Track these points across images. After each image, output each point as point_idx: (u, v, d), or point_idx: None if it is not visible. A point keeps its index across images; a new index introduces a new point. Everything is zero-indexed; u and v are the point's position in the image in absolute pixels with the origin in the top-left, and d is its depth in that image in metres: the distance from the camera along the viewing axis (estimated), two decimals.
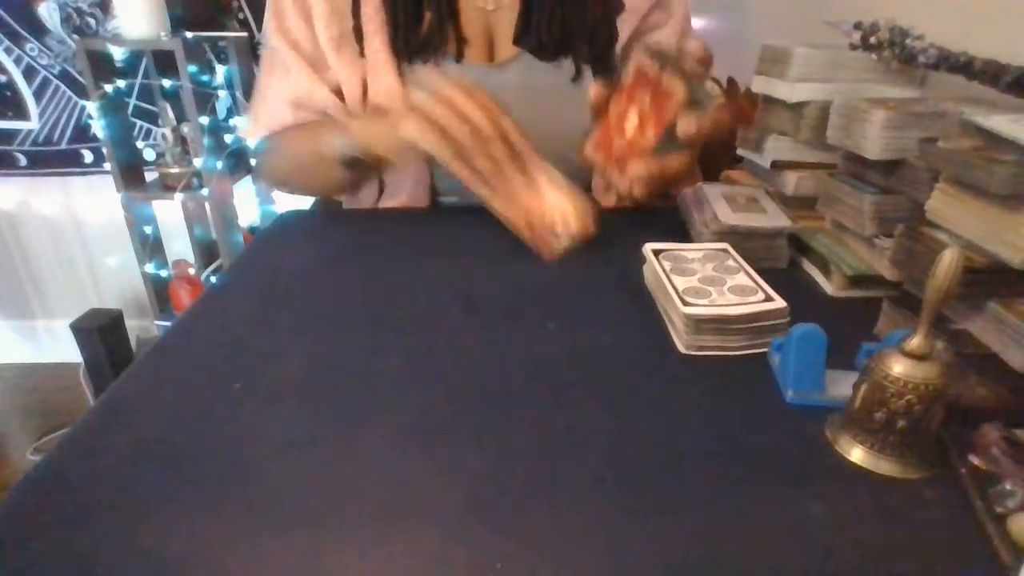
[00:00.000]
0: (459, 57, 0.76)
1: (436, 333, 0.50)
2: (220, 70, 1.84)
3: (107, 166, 1.87)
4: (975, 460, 0.36)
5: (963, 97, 0.58)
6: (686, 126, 0.56)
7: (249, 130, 0.81)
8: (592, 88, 0.63)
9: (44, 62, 1.88)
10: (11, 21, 1.82)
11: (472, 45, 0.77)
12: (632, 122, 0.58)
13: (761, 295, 0.49)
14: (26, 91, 1.92)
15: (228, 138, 1.87)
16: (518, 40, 0.77)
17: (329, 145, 0.63)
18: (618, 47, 0.81)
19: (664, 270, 0.53)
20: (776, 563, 0.31)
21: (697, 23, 0.86)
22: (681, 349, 0.48)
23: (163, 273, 1.97)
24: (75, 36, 1.83)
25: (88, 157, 2.01)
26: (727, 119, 0.60)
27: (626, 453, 0.38)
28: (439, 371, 0.46)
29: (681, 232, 0.68)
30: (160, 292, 1.96)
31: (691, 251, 0.57)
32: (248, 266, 0.66)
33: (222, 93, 1.87)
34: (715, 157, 0.93)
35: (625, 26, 0.80)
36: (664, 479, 0.36)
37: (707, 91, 0.58)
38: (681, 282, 0.51)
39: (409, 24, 0.73)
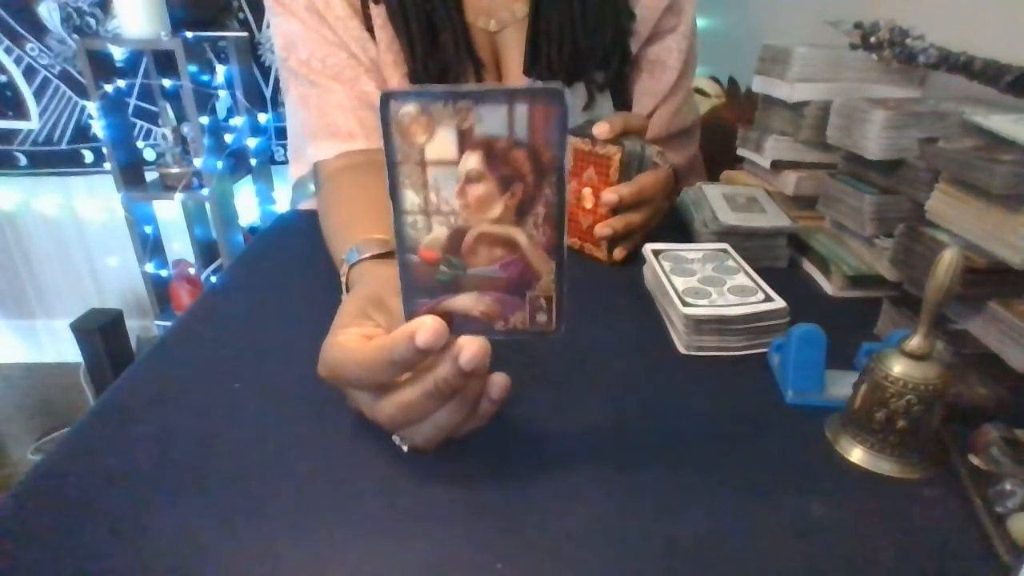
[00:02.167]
0: (479, 81, 0.75)
1: None
2: (220, 70, 1.84)
3: (107, 166, 1.88)
4: (975, 460, 0.36)
5: (963, 97, 0.58)
6: (608, 197, 0.60)
7: (296, 168, 0.78)
8: None
9: (44, 62, 1.88)
10: (11, 21, 1.83)
11: (484, 69, 0.75)
12: (587, 196, 0.63)
13: (761, 295, 0.49)
14: (26, 91, 1.92)
15: (228, 138, 1.87)
16: (528, 71, 0.75)
17: (341, 266, 0.51)
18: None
19: (664, 270, 0.53)
20: (776, 563, 0.31)
21: (699, 23, 0.85)
22: (681, 349, 0.48)
23: (163, 273, 1.97)
24: (75, 36, 1.83)
25: (88, 157, 2.01)
26: (662, 177, 0.64)
27: (626, 453, 0.38)
28: None
29: (681, 232, 0.68)
30: (160, 292, 1.96)
31: (691, 251, 0.57)
32: (248, 266, 0.66)
33: (222, 93, 1.87)
34: (715, 157, 0.93)
35: (636, 38, 0.79)
36: (664, 479, 0.36)
37: (642, 151, 0.61)
38: (681, 282, 0.51)
39: (426, 49, 0.71)
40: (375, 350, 0.33)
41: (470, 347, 0.31)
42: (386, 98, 0.28)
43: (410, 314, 0.33)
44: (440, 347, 0.31)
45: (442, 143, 0.29)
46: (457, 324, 0.32)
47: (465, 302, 0.32)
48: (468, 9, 0.73)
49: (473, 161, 0.29)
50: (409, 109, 0.28)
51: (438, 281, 0.32)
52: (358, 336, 0.37)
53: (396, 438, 0.37)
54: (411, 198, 0.30)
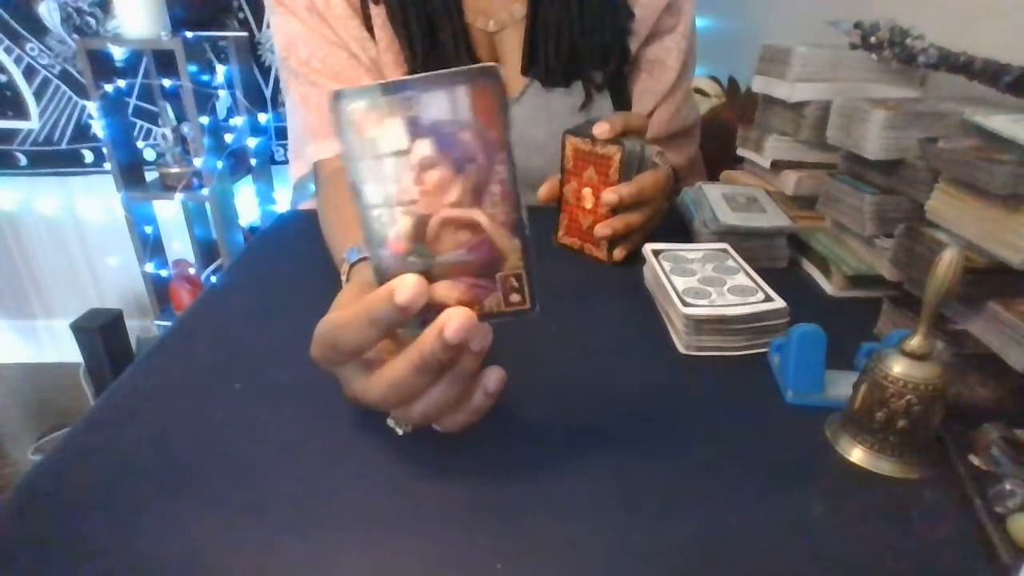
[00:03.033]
0: None
1: None
2: (220, 70, 1.84)
3: (107, 166, 1.87)
4: (975, 460, 0.36)
5: (963, 97, 0.58)
6: (608, 197, 0.60)
7: (297, 167, 0.78)
8: (541, 189, 0.66)
9: (44, 62, 1.88)
10: (11, 21, 1.83)
11: None
12: (587, 196, 0.63)
13: (761, 295, 0.49)
14: (26, 91, 1.92)
15: (228, 138, 1.87)
16: (526, 70, 0.76)
17: (341, 265, 0.51)
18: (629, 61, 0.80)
19: (664, 270, 0.53)
20: (776, 563, 0.31)
21: (699, 23, 0.85)
22: (681, 349, 0.48)
23: (163, 273, 1.97)
24: (75, 36, 1.83)
25: (88, 157, 2.01)
26: (662, 177, 0.63)
27: (625, 453, 0.38)
28: None
29: (681, 232, 0.68)
30: (160, 292, 1.96)
31: (691, 251, 0.57)
32: (248, 266, 0.66)
33: (222, 93, 1.87)
34: (715, 157, 0.93)
35: (636, 37, 0.79)
36: (664, 479, 0.36)
37: (642, 151, 0.61)
38: (681, 282, 0.51)
39: (426, 49, 0.71)
40: (355, 311, 0.34)
41: (454, 319, 0.31)
42: (337, 97, 0.29)
43: None
44: (420, 306, 0.31)
45: (393, 134, 0.30)
46: (436, 316, 0.32)
47: (440, 291, 0.33)
48: (467, 9, 0.73)
49: (424, 148, 0.30)
50: (359, 105, 0.29)
51: (411, 271, 0.32)
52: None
53: (391, 421, 0.37)
54: (373, 192, 0.31)
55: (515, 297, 0.33)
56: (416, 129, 0.30)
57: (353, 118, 0.30)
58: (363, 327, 0.33)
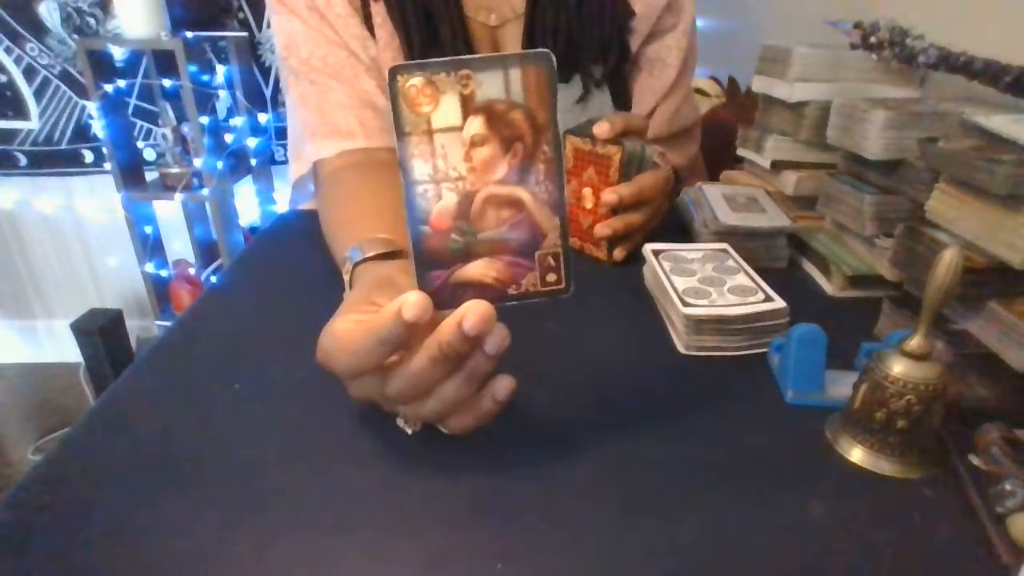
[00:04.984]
0: None
1: None
2: (220, 70, 1.84)
3: (107, 166, 1.88)
4: (975, 460, 0.36)
5: (963, 97, 0.58)
6: (607, 197, 0.60)
7: (296, 168, 0.78)
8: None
9: (44, 62, 1.88)
10: (11, 21, 1.83)
11: None
12: (587, 195, 0.63)
13: (761, 295, 0.49)
14: (26, 91, 1.92)
15: (228, 138, 1.87)
16: None
17: (343, 265, 0.50)
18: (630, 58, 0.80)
19: (664, 270, 0.53)
20: (776, 563, 0.31)
21: (699, 23, 0.86)
22: (681, 349, 0.48)
23: (163, 273, 1.97)
24: (75, 36, 1.83)
25: (88, 157, 2.01)
26: (662, 178, 0.63)
27: (626, 453, 0.38)
28: None
29: (681, 232, 0.68)
30: (160, 292, 1.96)
31: (691, 251, 0.57)
32: (248, 266, 0.66)
33: (222, 93, 1.87)
34: (715, 157, 0.93)
35: (636, 35, 0.79)
36: (664, 479, 0.36)
37: (642, 152, 0.61)
38: (681, 282, 0.51)
39: (424, 45, 0.71)
40: (363, 334, 0.34)
41: (473, 312, 0.31)
42: (393, 72, 0.31)
43: (423, 287, 0.33)
44: (427, 319, 0.31)
45: (447, 111, 0.31)
46: (472, 295, 0.33)
47: (477, 269, 0.33)
48: (468, 4, 0.73)
49: (476, 125, 0.31)
50: (415, 81, 0.31)
51: (450, 251, 0.33)
52: (352, 321, 0.37)
53: (400, 422, 0.37)
54: (420, 168, 0.32)
55: (551, 277, 0.34)
56: (469, 106, 0.31)
57: (409, 93, 0.31)
58: (373, 349, 0.33)
